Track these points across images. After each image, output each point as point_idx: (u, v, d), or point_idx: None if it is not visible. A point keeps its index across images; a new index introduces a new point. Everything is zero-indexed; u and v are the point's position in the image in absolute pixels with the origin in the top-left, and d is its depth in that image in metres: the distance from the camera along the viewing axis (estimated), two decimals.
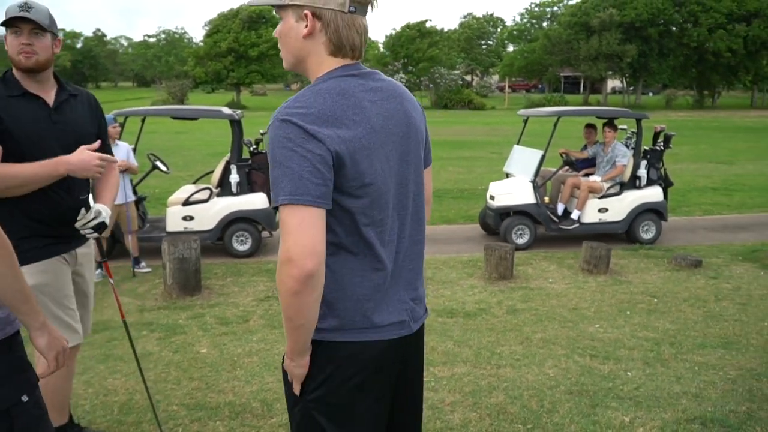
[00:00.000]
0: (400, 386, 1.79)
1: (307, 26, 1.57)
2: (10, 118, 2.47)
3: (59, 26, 2.69)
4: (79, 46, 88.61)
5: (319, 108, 1.49)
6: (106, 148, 2.81)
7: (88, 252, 2.85)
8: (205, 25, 56.44)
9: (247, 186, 7.37)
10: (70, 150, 2.56)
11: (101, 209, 2.64)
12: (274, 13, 1.71)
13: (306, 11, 1.55)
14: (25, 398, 1.73)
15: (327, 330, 1.62)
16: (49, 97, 2.62)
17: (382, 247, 1.63)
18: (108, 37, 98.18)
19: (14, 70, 2.57)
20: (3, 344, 1.71)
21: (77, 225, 2.61)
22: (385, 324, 1.66)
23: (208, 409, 3.52)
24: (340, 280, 1.61)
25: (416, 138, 1.72)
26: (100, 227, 2.63)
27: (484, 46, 76.94)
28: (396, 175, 1.65)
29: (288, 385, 1.72)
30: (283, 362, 1.71)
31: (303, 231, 1.45)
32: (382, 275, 1.64)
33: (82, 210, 2.61)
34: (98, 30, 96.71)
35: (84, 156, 2.52)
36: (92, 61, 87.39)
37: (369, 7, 1.62)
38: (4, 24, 2.49)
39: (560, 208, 8.13)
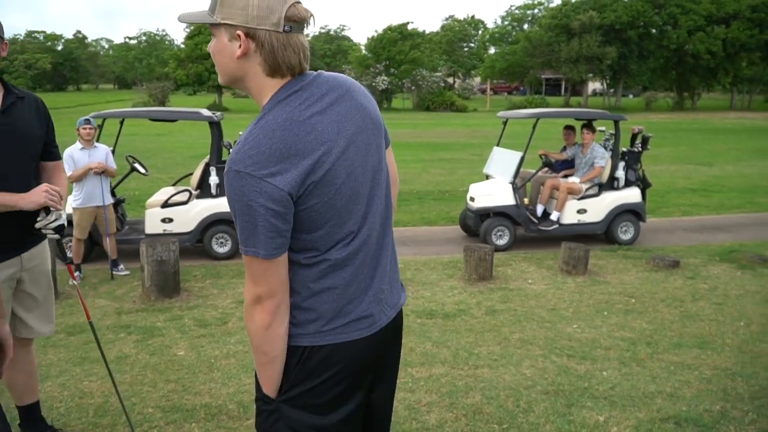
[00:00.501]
0: (376, 378, 1.80)
1: (240, 46, 1.52)
2: None
3: (40, 28, 2.66)
4: (59, 48, 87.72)
5: (269, 146, 1.46)
6: (54, 150, 2.84)
7: (36, 254, 2.82)
8: (187, 27, 56.03)
9: None
10: (19, 152, 2.59)
11: (60, 212, 2.66)
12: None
13: (239, 31, 1.50)
14: None
15: (300, 335, 1.63)
16: None
17: (349, 247, 1.63)
18: (89, 40, 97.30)
19: None
20: None
21: (37, 225, 2.62)
22: (357, 320, 1.66)
23: (183, 411, 3.50)
24: (307, 285, 1.61)
25: (373, 127, 1.68)
26: (61, 228, 2.67)
27: (465, 49, 77.19)
28: (362, 174, 1.63)
29: (260, 389, 1.71)
30: (256, 380, 1.72)
31: (268, 276, 1.53)
32: (351, 274, 1.64)
33: (42, 212, 2.62)
34: (79, 32, 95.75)
35: (32, 197, 2.58)
36: (73, 63, 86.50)
37: (305, 25, 1.56)
38: None
39: (539, 209, 8.19)
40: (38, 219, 2.62)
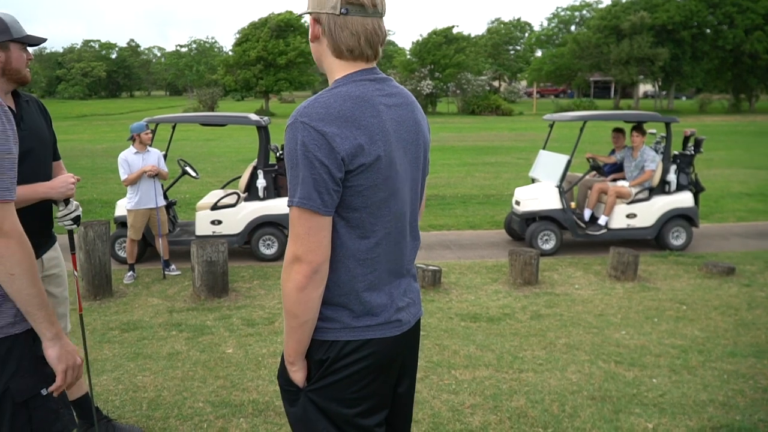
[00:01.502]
0: (400, 375, 1.84)
1: (313, 31, 1.69)
2: None
3: (95, 37, 2.75)
4: (113, 56, 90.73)
5: (338, 109, 1.55)
6: (57, 150, 2.92)
7: (55, 256, 2.89)
8: (236, 34, 57.27)
9: (274, 191, 7.47)
10: (43, 156, 2.66)
11: (78, 203, 2.76)
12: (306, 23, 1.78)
13: (312, 18, 1.67)
14: (44, 392, 1.78)
15: (329, 329, 1.67)
16: (11, 105, 2.66)
17: (386, 247, 1.68)
18: (141, 48, 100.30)
19: None
20: (27, 335, 1.77)
21: (59, 215, 2.70)
22: (388, 321, 1.71)
23: (232, 406, 3.59)
24: (345, 281, 1.65)
25: (423, 146, 1.78)
26: (78, 219, 2.76)
27: (511, 52, 76.55)
28: (402, 179, 1.69)
29: (284, 379, 1.76)
30: (281, 364, 1.77)
31: (310, 235, 1.55)
32: (377, 277, 1.69)
33: (61, 203, 2.69)
34: (132, 40, 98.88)
35: (60, 182, 2.63)
36: (126, 71, 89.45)
37: (369, 8, 1.63)
38: (21, 40, 2.54)
39: (587, 213, 8.07)
40: (60, 209, 2.70)
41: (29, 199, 2.51)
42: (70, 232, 2.90)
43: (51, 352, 1.75)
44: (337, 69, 1.68)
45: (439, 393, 3.79)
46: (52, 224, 2.73)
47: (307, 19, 1.77)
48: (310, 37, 1.72)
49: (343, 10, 1.61)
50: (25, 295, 1.68)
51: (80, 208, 2.76)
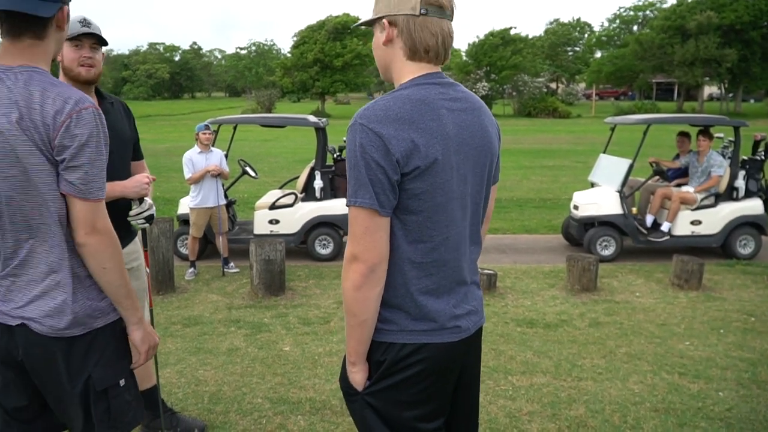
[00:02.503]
0: (458, 389, 1.83)
1: (386, 34, 1.68)
2: None
3: (160, 40, 2.84)
4: (177, 58, 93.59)
5: (397, 111, 1.57)
6: (139, 150, 3.02)
7: (135, 250, 2.99)
8: (294, 36, 58.20)
9: (331, 192, 7.55)
10: (122, 156, 2.76)
11: (151, 203, 2.83)
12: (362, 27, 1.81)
13: (384, 20, 1.67)
14: (122, 382, 1.89)
15: (387, 331, 1.68)
16: None
17: (443, 253, 1.67)
18: (203, 50, 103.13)
19: (61, 78, 2.64)
20: (114, 326, 1.88)
21: (132, 213, 2.76)
22: (445, 327, 1.70)
23: (290, 403, 3.66)
24: (400, 283, 1.66)
25: (489, 152, 1.76)
26: (151, 218, 2.81)
27: (570, 53, 75.10)
28: (465, 185, 1.69)
29: (345, 382, 1.78)
30: (343, 368, 1.78)
31: (367, 235, 1.57)
32: (435, 282, 1.68)
33: (136, 202, 2.76)
34: (195, 43, 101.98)
35: (134, 182, 2.72)
36: (189, 72, 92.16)
37: (447, 10, 1.66)
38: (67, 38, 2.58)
39: (649, 219, 7.84)
40: (133, 207, 2.76)
41: (108, 196, 2.62)
42: (143, 231, 2.99)
43: (136, 335, 1.95)
44: (405, 73, 1.68)
45: (496, 398, 3.75)
46: None
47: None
48: (380, 41, 1.71)
49: (423, 11, 1.63)
50: (115, 287, 1.84)
51: (153, 207, 2.85)
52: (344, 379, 1.78)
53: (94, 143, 1.72)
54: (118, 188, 2.68)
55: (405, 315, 1.67)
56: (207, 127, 6.70)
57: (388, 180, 1.54)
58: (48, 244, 1.75)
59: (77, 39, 2.61)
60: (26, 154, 1.66)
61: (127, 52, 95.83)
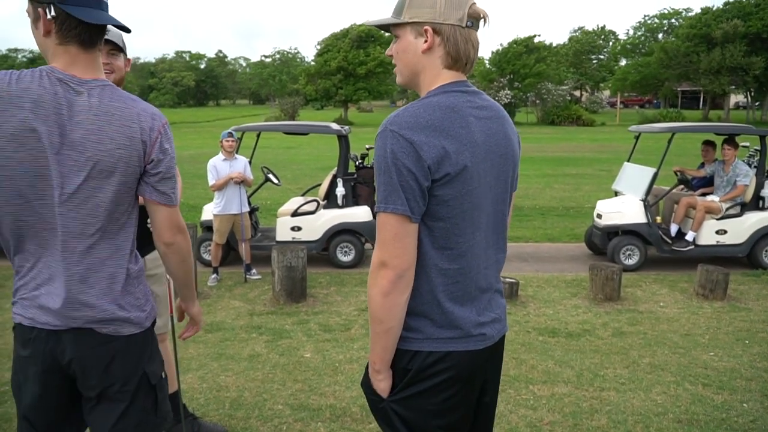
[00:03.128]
0: (480, 399, 1.82)
1: (426, 41, 1.65)
2: None
3: (186, 48, 2.92)
4: (202, 66, 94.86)
5: (427, 118, 1.57)
6: None
7: (157, 257, 3.07)
8: (317, 44, 58.66)
9: (352, 199, 7.59)
10: None
11: None
12: (386, 33, 1.81)
13: (426, 27, 1.64)
14: (163, 374, 2.01)
15: (413, 339, 1.68)
16: None
17: (469, 260, 1.68)
18: (228, 58, 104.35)
19: None
20: (152, 326, 2.01)
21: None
22: (471, 335, 1.70)
23: (310, 410, 3.68)
24: (426, 290, 1.66)
25: (512, 160, 1.77)
26: None
27: (594, 61, 74.55)
28: (490, 192, 1.69)
29: (369, 388, 1.78)
30: (365, 373, 1.79)
31: (396, 240, 1.57)
32: (460, 289, 1.68)
33: None
34: (220, 51, 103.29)
35: None
36: (214, 80, 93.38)
37: (481, 23, 1.69)
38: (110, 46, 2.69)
39: (673, 228, 7.75)
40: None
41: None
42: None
43: (195, 309, 2.28)
44: (437, 81, 1.68)
45: (517, 408, 3.74)
46: None
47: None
48: (416, 47, 1.67)
49: (468, 23, 1.64)
50: (188, 274, 2.11)
51: None
52: (368, 385, 1.78)
53: (174, 154, 1.92)
54: None
55: (430, 322, 1.66)
56: (230, 135, 6.79)
57: (419, 186, 1.55)
58: (117, 248, 1.84)
59: (109, 48, 2.70)
60: (125, 166, 1.76)
61: (153, 60, 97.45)
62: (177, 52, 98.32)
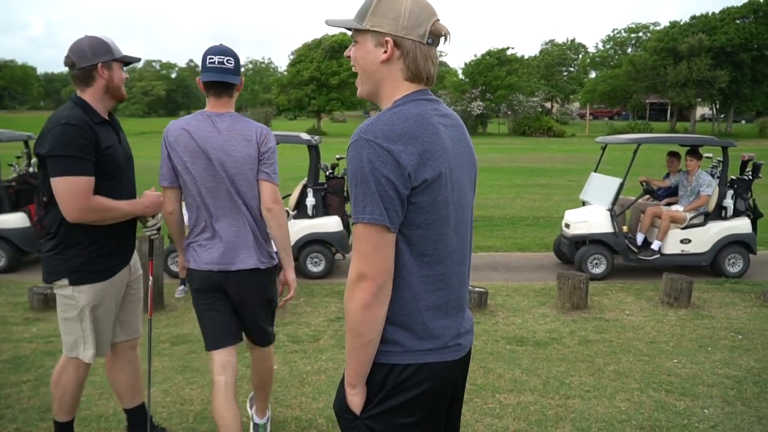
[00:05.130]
0: (449, 409, 1.81)
1: (386, 52, 1.64)
2: (104, 143, 2.75)
3: (157, 57, 3.05)
4: (173, 76, 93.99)
5: (401, 127, 1.56)
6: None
7: (137, 259, 3.20)
8: (290, 54, 58.58)
9: (323, 209, 7.57)
10: (127, 168, 2.93)
11: (160, 215, 3.04)
12: (350, 35, 1.79)
13: (387, 38, 1.63)
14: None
15: (390, 353, 1.66)
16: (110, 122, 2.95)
17: (448, 266, 1.67)
18: (200, 68, 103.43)
19: (90, 98, 2.80)
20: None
21: (148, 225, 3.03)
22: (447, 346, 1.69)
23: (276, 422, 3.64)
24: (407, 300, 1.64)
25: (474, 167, 1.80)
26: (160, 229, 3.13)
27: (565, 73, 75.78)
28: (461, 198, 1.70)
29: (342, 407, 1.74)
30: (337, 394, 1.76)
31: (376, 252, 1.54)
32: (442, 297, 1.67)
33: (150, 217, 3.02)
34: (191, 60, 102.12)
35: (153, 199, 2.96)
36: (185, 90, 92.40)
37: (441, 40, 1.69)
38: (121, 59, 2.84)
39: (639, 238, 7.88)
40: (148, 221, 3.01)
41: (132, 214, 2.87)
42: (152, 241, 3.15)
43: (291, 276, 3.07)
44: (395, 92, 1.68)
45: (483, 417, 3.75)
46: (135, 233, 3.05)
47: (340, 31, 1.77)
48: (375, 57, 1.66)
49: (429, 41, 1.65)
50: (285, 237, 2.94)
51: (162, 219, 3.05)
52: (340, 404, 1.73)
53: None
54: (140, 207, 2.92)
55: (410, 334, 1.64)
56: None
57: (398, 195, 1.53)
58: (252, 217, 2.88)
59: (125, 61, 2.86)
60: (253, 160, 2.83)
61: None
62: (147, 61, 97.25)
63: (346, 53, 1.77)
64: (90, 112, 2.76)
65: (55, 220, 2.76)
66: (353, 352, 1.63)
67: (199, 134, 2.76)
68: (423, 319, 1.64)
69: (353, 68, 1.76)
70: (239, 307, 2.94)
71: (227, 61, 2.81)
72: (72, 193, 2.61)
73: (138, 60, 2.95)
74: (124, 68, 2.90)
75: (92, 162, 2.67)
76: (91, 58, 2.74)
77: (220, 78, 2.79)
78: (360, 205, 1.54)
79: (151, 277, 3.29)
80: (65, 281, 2.79)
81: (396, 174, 1.52)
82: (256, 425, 3.37)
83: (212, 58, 2.81)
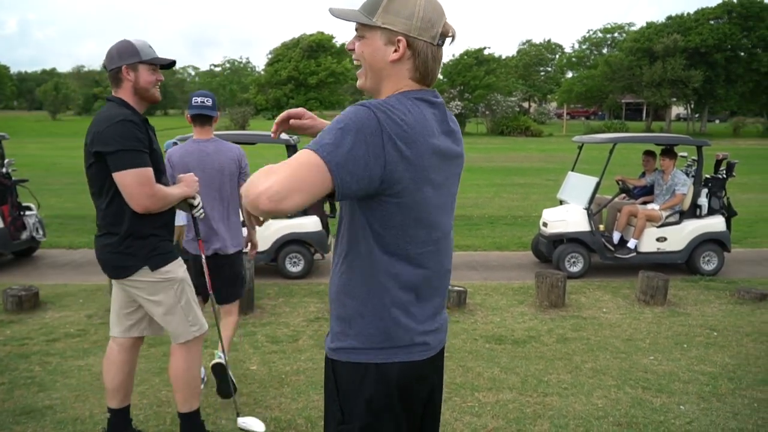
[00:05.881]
0: (425, 414, 1.80)
1: (397, 51, 1.59)
2: (153, 141, 2.93)
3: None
4: None
5: (401, 116, 1.51)
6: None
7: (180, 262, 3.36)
8: (268, 54, 58.29)
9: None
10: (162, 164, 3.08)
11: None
12: (337, 41, 1.74)
13: (400, 38, 1.58)
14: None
15: (353, 349, 1.64)
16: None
17: (416, 267, 1.65)
18: (176, 67, 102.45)
19: (128, 99, 2.94)
20: None
21: (195, 204, 3.21)
22: (415, 343, 1.67)
23: None
24: (378, 296, 1.62)
25: (461, 167, 1.78)
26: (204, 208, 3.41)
27: (542, 73, 76.42)
28: (441, 197, 1.68)
29: (329, 411, 1.73)
30: (325, 385, 1.74)
31: (295, 176, 1.42)
32: (413, 296, 1.65)
33: (195, 198, 3.22)
34: None
35: (190, 180, 3.17)
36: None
37: (448, 40, 1.67)
38: (150, 62, 2.91)
39: (616, 236, 7.96)
40: (194, 202, 3.19)
41: (182, 196, 3.07)
42: (196, 220, 3.38)
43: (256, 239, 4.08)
44: (398, 90, 1.64)
45: (462, 415, 3.76)
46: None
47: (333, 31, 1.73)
48: (385, 55, 1.61)
49: (440, 42, 1.62)
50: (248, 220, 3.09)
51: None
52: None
53: None
54: (186, 190, 3.10)
55: (377, 332, 1.62)
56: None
57: (366, 163, 1.45)
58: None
59: (153, 63, 2.92)
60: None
61: (98, 69, 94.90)
62: None
63: (348, 46, 1.70)
64: (132, 111, 2.90)
65: (118, 216, 2.87)
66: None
67: (196, 156, 3.85)
68: (391, 316, 1.62)
69: (355, 61, 1.71)
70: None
71: (206, 101, 3.86)
72: (140, 183, 2.75)
73: (169, 62, 3.00)
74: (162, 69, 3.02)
75: (148, 155, 2.84)
76: (117, 60, 2.88)
77: (202, 112, 3.84)
78: (322, 140, 1.45)
79: (203, 254, 3.62)
80: (146, 269, 2.91)
81: (379, 161, 1.46)
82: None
83: (196, 100, 3.87)
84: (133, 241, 2.88)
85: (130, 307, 3.11)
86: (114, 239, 2.89)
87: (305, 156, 1.44)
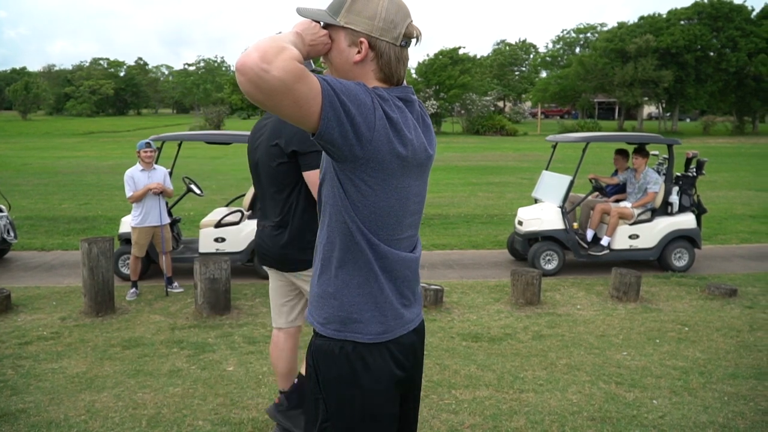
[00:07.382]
0: (403, 405, 1.84)
1: (359, 52, 1.61)
2: None
3: (105, 56, 3.04)
4: (122, 74, 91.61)
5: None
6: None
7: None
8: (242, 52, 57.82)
9: None
10: None
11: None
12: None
13: (362, 39, 1.60)
14: None
15: (345, 330, 1.66)
16: None
17: (395, 251, 1.68)
18: (149, 66, 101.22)
19: None
20: None
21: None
22: (389, 326, 1.70)
23: (232, 424, 3.60)
24: (352, 285, 1.65)
25: (431, 161, 1.80)
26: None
27: (516, 73, 77.01)
28: (416, 188, 1.70)
29: (310, 391, 1.76)
30: (305, 363, 1.77)
31: (282, 51, 1.40)
32: (392, 280, 1.69)
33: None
34: (140, 59, 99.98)
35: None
36: (134, 88, 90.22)
37: (413, 41, 1.69)
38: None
39: (589, 234, 8.08)
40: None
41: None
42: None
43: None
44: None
45: (439, 413, 3.78)
46: None
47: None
48: (349, 57, 1.63)
49: (403, 43, 1.64)
50: None
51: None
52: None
53: None
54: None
55: (369, 314, 1.65)
56: (149, 144, 6.58)
57: (354, 117, 1.47)
58: None
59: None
60: None
61: (70, 68, 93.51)
62: (94, 59, 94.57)
63: None
64: None
65: (295, 212, 3.09)
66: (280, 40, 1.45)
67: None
68: (370, 306, 1.65)
69: (322, 62, 1.74)
70: None
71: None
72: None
73: None
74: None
75: None
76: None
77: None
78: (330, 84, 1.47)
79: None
80: None
81: (365, 111, 1.50)
82: None
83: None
84: (310, 237, 3.04)
85: (288, 296, 3.34)
86: (285, 236, 3.11)
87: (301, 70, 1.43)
